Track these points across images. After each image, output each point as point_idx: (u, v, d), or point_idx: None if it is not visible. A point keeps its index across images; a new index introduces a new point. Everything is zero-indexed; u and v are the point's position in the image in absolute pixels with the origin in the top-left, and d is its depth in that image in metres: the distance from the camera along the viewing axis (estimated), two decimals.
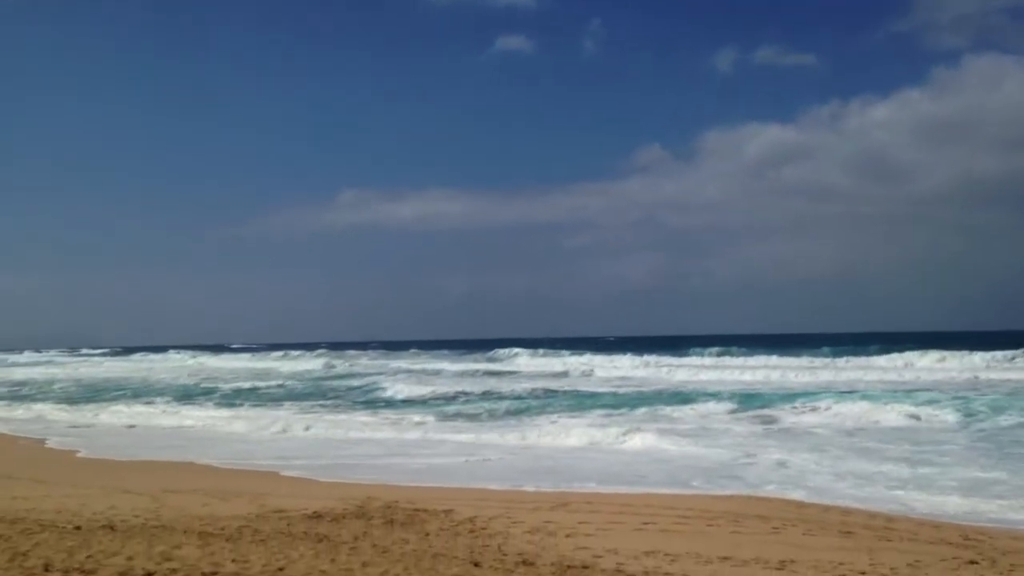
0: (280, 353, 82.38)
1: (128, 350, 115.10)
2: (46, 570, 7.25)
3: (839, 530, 10.53)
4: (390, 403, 33.66)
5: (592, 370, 48.95)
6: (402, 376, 47.93)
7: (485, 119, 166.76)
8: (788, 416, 24.52)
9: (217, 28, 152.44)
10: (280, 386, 43.89)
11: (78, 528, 9.62)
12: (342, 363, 65.92)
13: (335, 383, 45.12)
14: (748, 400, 28.48)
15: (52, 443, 22.21)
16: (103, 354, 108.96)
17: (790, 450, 17.41)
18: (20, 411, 33.58)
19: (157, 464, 18.08)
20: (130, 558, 7.81)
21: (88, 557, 7.85)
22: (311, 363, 67.48)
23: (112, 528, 9.73)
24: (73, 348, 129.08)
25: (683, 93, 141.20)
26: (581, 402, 30.41)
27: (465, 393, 35.33)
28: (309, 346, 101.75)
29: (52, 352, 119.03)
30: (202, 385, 45.79)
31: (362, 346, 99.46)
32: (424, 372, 53.59)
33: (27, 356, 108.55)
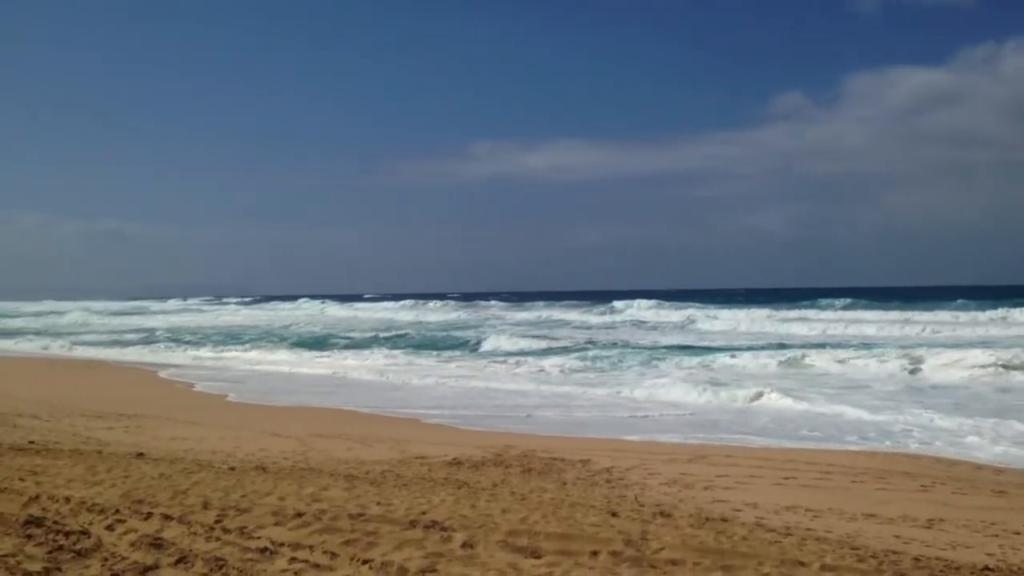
0: (410, 302, 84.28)
1: (267, 298, 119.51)
2: (204, 507, 7.62)
3: (991, 489, 10.16)
4: (494, 354, 34.24)
5: (693, 321, 48.49)
6: (507, 328, 48.50)
7: (618, 68, 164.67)
8: (932, 371, 23.66)
9: None
10: (402, 335, 44.85)
11: (232, 468, 10.08)
12: (465, 313, 66.88)
13: (458, 333, 45.65)
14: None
15: (201, 387, 23.33)
16: (242, 303, 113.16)
17: (934, 407, 16.80)
18: (173, 354, 35.33)
19: (303, 409, 18.79)
20: (282, 498, 8.14)
21: (243, 496, 8.21)
22: (437, 314, 68.75)
23: (264, 469, 10.16)
24: (217, 296, 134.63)
25: (825, 37, 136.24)
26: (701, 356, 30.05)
27: (566, 348, 35.14)
28: (439, 296, 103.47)
29: (196, 300, 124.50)
30: (327, 333, 47.37)
31: (491, 296, 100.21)
32: (538, 322, 53.90)
33: (172, 303, 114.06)
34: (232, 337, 46.00)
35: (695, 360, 27.65)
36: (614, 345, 35.31)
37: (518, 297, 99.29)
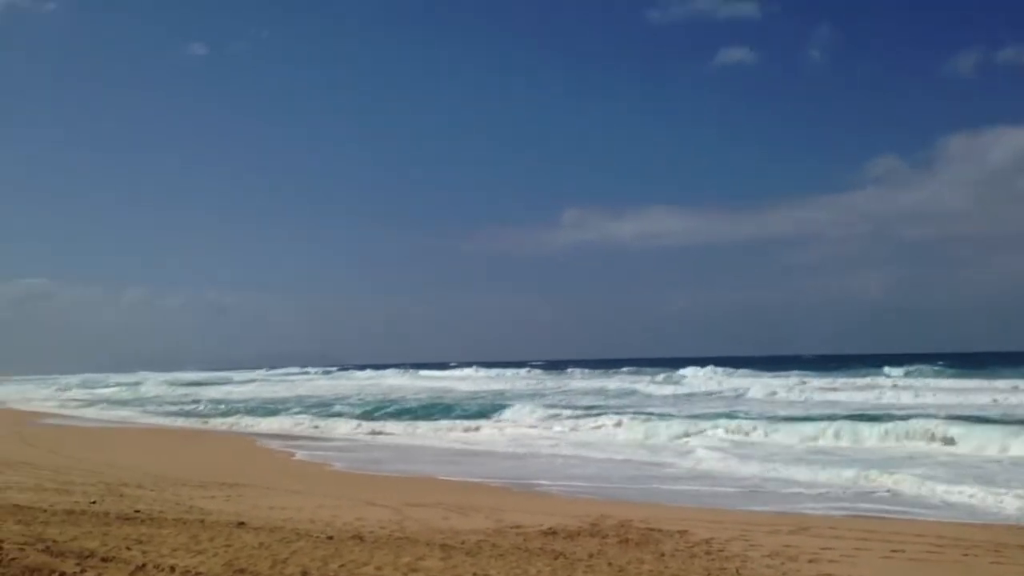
0: (494, 372, 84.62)
1: (359, 367, 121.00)
2: None
3: None
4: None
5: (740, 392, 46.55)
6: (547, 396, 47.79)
7: (708, 133, 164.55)
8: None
9: (451, 36, 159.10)
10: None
11: (330, 538, 10.17)
12: (520, 382, 66.73)
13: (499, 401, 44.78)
14: None
15: (301, 455, 23.68)
16: (325, 372, 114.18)
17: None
18: (266, 423, 35.95)
19: (399, 478, 18.91)
20: (379, 568, 8.19)
21: (341, 566, 8.28)
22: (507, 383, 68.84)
23: (361, 538, 10.23)
24: (303, 366, 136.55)
25: (919, 99, 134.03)
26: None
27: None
28: (520, 364, 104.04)
29: (279, 371, 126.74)
30: (378, 402, 47.12)
31: (579, 364, 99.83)
32: (592, 391, 53.17)
33: (258, 373, 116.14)
34: (325, 405, 46.26)
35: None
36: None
37: (605, 364, 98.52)
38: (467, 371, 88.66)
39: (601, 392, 51.78)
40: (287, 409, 42.84)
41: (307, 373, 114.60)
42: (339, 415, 39.30)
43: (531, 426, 31.63)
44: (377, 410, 40.99)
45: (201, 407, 46.89)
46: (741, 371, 63.71)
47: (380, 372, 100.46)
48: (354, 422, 34.93)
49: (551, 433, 29.50)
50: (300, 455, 23.83)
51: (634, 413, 32.19)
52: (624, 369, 78.59)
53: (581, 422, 31.10)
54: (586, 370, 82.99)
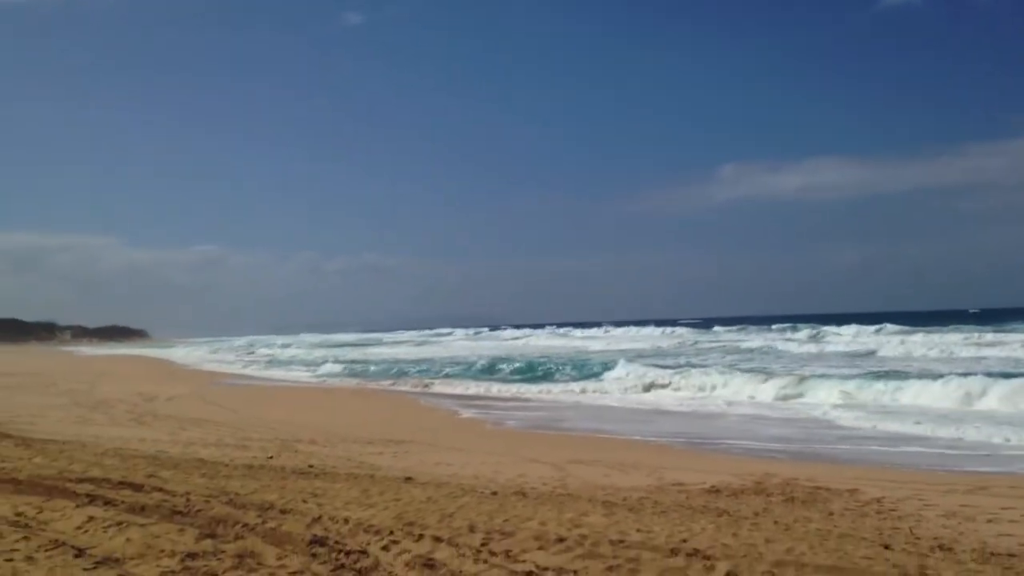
0: (646, 330, 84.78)
1: (515, 326, 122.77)
2: (471, 530, 7.89)
3: None
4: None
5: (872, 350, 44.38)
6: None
7: (871, 80, 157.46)
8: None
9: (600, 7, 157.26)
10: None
11: (494, 493, 10.38)
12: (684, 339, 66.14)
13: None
14: None
15: (465, 414, 24.21)
16: (469, 334, 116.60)
17: None
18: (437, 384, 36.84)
19: (558, 436, 19.10)
20: (543, 523, 8.31)
21: (506, 520, 8.44)
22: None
23: (524, 494, 10.40)
24: (461, 327, 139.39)
25: None
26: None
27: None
28: (670, 322, 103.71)
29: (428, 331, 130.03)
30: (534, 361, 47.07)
31: (739, 321, 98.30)
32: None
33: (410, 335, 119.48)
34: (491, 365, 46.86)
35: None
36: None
37: (766, 321, 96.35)
38: (618, 331, 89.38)
39: (731, 349, 51.69)
40: (447, 369, 43.70)
41: (474, 332, 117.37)
42: (496, 373, 40.13)
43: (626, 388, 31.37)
44: (530, 369, 41.16)
45: (371, 367, 48.22)
46: (893, 327, 61.61)
47: (533, 331, 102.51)
48: (507, 384, 35.16)
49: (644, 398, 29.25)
50: (464, 413, 24.37)
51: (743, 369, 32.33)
52: (775, 327, 77.37)
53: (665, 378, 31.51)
54: (735, 327, 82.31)
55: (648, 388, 30.80)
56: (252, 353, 78.10)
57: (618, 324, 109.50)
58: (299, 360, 61.24)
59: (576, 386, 32.85)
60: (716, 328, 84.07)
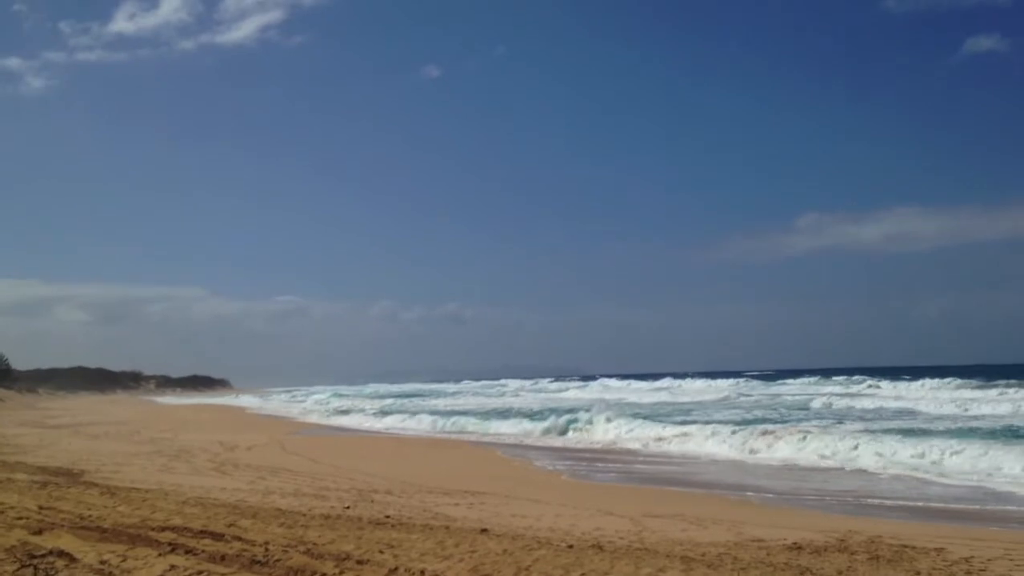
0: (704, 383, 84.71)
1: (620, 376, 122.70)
2: None
3: None
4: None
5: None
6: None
7: (956, 126, 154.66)
8: None
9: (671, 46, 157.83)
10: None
11: (570, 547, 10.28)
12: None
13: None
14: None
15: (539, 464, 24.08)
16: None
17: None
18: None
19: (634, 488, 18.88)
20: None
21: (582, 574, 8.36)
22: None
23: (600, 548, 10.28)
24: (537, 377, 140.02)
25: None
26: None
27: None
28: (735, 374, 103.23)
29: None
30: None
31: (813, 372, 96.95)
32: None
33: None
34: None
35: None
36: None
37: (844, 372, 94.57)
38: (680, 382, 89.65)
39: (760, 404, 51.43)
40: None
41: (532, 384, 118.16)
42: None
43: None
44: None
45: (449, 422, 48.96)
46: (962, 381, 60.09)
47: (587, 383, 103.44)
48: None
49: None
50: (537, 464, 24.25)
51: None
52: (839, 378, 76.98)
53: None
54: (804, 379, 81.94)
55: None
56: (327, 401, 78.87)
57: (702, 375, 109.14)
58: (357, 408, 61.96)
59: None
60: (788, 380, 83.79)
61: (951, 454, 21.76)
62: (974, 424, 31.44)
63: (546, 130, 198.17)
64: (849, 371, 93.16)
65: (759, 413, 42.27)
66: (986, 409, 38.68)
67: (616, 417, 36.12)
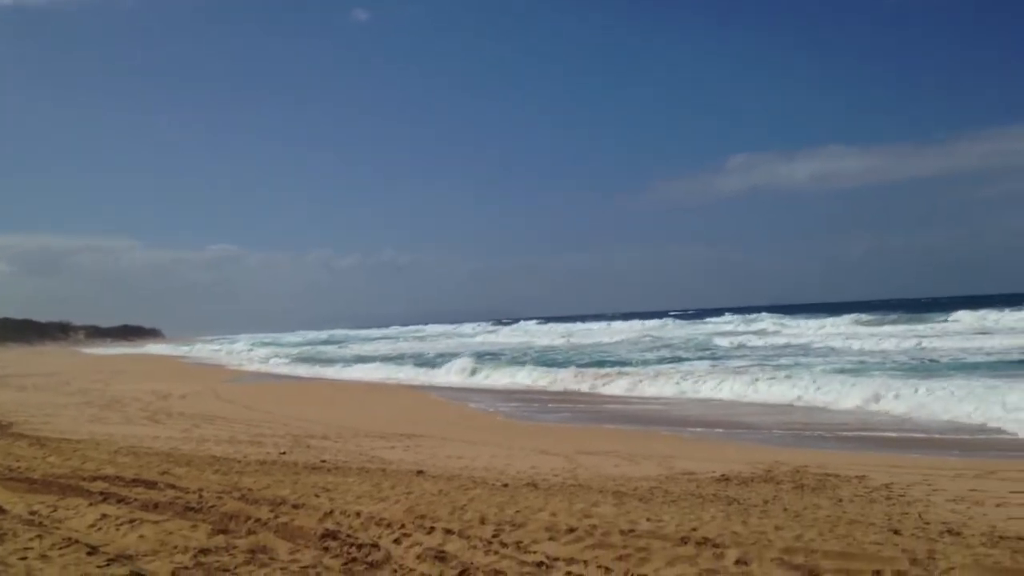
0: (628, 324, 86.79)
1: (546, 319, 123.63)
2: (482, 522, 7.93)
3: None
4: None
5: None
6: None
7: (883, 67, 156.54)
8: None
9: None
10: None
11: (505, 485, 10.42)
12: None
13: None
14: None
15: (474, 406, 24.28)
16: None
17: None
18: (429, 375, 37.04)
19: (568, 427, 19.14)
20: (554, 514, 8.34)
21: (517, 512, 8.48)
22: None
23: (535, 486, 10.44)
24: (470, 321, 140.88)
25: None
26: None
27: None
28: (658, 314, 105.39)
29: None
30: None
31: (748, 311, 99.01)
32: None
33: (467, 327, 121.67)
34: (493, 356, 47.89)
35: None
36: None
37: (785, 310, 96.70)
38: (608, 323, 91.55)
39: (663, 343, 53.44)
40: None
41: (454, 327, 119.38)
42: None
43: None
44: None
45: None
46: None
47: (513, 326, 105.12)
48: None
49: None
50: (473, 405, 24.45)
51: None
52: (763, 314, 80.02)
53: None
54: (726, 318, 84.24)
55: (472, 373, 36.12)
56: (262, 349, 78.39)
57: (629, 315, 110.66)
58: (316, 356, 62.24)
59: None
60: (710, 319, 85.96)
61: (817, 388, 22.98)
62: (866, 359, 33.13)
63: (478, 79, 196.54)
64: (773, 308, 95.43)
65: (649, 355, 43.90)
66: (870, 344, 40.85)
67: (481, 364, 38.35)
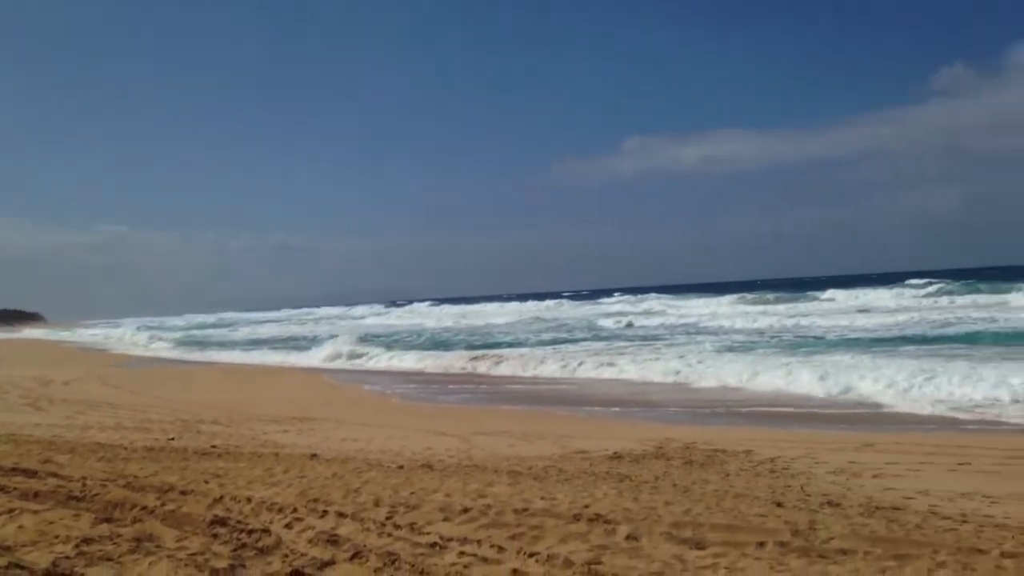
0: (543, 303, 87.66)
1: (441, 301, 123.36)
2: (376, 505, 7.89)
3: None
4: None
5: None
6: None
7: (771, 54, 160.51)
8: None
9: None
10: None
11: (400, 467, 10.39)
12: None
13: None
14: None
15: (369, 388, 24.13)
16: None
17: None
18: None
19: (464, 409, 19.20)
20: (448, 495, 8.36)
21: (411, 493, 8.47)
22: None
23: (430, 467, 10.44)
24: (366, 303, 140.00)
25: (989, 4, 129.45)
26: None
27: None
28: (554, 295, 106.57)
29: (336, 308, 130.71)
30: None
31: (649, 290, 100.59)
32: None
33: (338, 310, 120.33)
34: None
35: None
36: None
37: (677, 290, 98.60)
38: (495, 305, 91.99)
39: (564, 325, 54.17)
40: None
41: (347, 309, 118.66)
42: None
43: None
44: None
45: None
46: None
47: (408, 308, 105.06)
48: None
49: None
50: (368, 388, 24.29)
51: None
52: (652, 294, 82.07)
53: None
54: (616, 298, 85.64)
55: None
56: (150, 332, 76.32)
57: (522, 296, 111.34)
58: (205, 340, 60.99)
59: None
60: (602, 300, 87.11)
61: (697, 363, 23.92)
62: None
63: (369, 58, 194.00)
64: (663, 289, 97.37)
65: (544, 336, 44.46)
66: (753, 323, 42.57)
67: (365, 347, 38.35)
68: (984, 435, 12.68)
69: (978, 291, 51.57)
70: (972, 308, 42.91)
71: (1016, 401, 15.32)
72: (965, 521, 7.16)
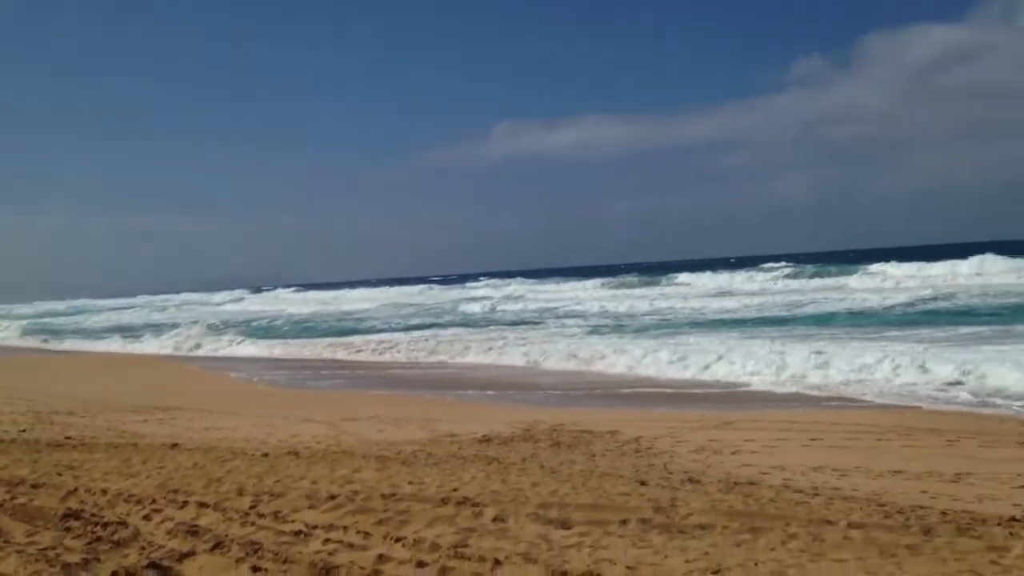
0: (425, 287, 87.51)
1: (307, 287, 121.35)
2: (239, 494, 7.74)
3: (1016, 441, 10.16)
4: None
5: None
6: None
7: (638, 41, 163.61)
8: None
9: None
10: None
11: (266, 455, 10.21)
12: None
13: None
14: None
15: (235, 376, 23.60)
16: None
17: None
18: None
19: (332, 394, 18.98)
20: (315, 482, 8.26)
21: (276, 482, 8.33)
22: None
23: (297, 454, 10.29)
24: (211, 290, 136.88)
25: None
26: None
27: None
28: (421, 279, 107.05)
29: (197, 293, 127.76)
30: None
31: (515, 274, 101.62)
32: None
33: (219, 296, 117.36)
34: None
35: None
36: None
37: (544, 274, 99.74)
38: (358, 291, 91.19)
39: (430, 311, 54.32)
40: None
41: (210, 295, 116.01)
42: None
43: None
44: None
45: None
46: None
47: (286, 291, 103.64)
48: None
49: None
50: (233, 376, 23.76)
51: None
52: (517, 279, 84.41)
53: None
54: (482, 282, 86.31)
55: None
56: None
57: (393, 281, 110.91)
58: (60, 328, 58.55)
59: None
60: (469, 284, 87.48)
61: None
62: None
63: (237, 41, 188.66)
64: (527, 273, 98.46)
65: (412, 320, 44.70)
66: (615, 306, 43.53)
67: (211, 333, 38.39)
68: (836, 411, 13.27)
69: (829, 274, 53.73)
70: (824, 290, 44.76)
71: (866, 379, 16.10)
72: (816, 494, 7.49)
